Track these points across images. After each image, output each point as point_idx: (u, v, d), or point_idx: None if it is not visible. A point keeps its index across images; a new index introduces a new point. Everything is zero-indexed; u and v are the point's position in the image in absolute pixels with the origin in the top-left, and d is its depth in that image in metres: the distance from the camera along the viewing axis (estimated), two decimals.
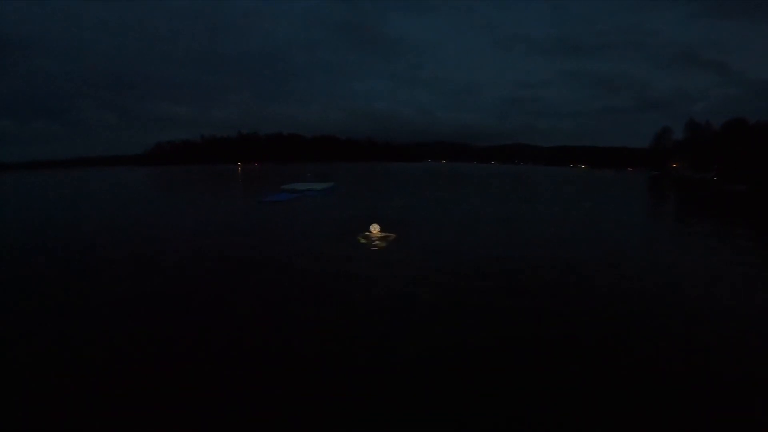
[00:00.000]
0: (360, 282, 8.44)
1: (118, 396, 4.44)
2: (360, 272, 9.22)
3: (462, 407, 4.28)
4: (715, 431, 4.04)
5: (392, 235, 12.39)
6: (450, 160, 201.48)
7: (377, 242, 11.93)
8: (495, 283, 8.40)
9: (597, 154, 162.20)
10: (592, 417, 4.17)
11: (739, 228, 17.75)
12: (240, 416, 4.10)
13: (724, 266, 10.44)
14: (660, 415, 4.21)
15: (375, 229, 12.45)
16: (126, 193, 34.53)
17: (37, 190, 40.58)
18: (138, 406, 4.24)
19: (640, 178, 71.81)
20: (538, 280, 8.73)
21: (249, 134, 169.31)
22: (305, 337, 5.94)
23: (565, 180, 61.22)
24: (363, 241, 12.02)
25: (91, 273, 9.31)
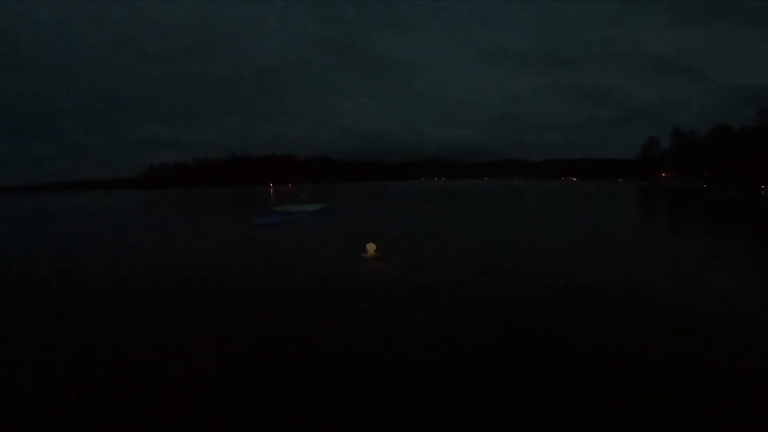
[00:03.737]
0: (356, 303, 8.10)
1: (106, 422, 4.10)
2: (356, 292, 8.86)
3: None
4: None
5: (388, 256, 12.07)
6: (443, 177, 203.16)
7: (374, 262, 11.63)
8: (493, 305, 8.11)
9: (587, 166, 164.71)
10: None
11: (742, 234, 17.75)
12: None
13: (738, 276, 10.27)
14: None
15: (371, 248, 12.15)
16: (119, 217, 33.97)
17: (31, 215, 39.75)
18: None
19: (631, 189, 72.48)
20: (541, 292, 8.46)
21: (241, 155, 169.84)
22: (299, 359, 5.63)
23: (559, 193, 61.69)
24: (359, 261, 11.71)
25: (78, 297, 8.90)
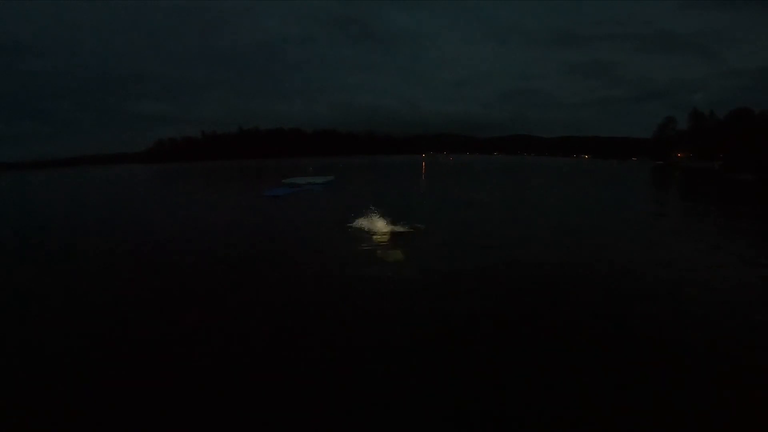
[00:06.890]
0: (367, 278, 8.23)
1: (118, 396, 4.37)
2: (366, 268, 8.96)
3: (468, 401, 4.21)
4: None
5: (399, 229, 12.16)
6: (452, 152, 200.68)
7: (384, 236, 11.73)
8: (509, 275, 8.28)
9: (600, 144, 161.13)
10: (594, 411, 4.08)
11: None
12: (241, 412, 4.06)
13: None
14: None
15: (381, 222, 12.35)
16: (129, 190, 34.54)
17: (46, 189, 40.54)
18: (138, 405, 4.19)
19: (645, 168, 71.15)
20: (554, 269, 8.60)
21: (250, 129, 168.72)
22: (309, 333, 5.83)
23: (573, 170, 60.74)
24: (368, 235, 11.84)
25: (94, 269, 9.28)
